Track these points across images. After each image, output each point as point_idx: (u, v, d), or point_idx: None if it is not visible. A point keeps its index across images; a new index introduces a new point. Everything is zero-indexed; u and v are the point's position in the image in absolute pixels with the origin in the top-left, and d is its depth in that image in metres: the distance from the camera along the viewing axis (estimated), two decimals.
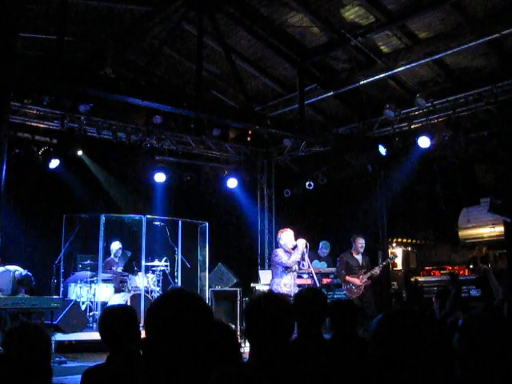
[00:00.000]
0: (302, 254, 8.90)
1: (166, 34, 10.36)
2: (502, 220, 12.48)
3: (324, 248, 12.60)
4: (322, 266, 12.14)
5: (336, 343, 4.41)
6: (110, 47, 10.64)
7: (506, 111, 10.28)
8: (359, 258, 10.89)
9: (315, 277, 9.41)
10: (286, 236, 9.05)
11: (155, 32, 10.75)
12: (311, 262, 12.05)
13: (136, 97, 9.81)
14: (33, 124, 11.12)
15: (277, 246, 9.51)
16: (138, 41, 11.10)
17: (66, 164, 11.68)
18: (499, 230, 12.90)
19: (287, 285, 8.74)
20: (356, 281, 10.64)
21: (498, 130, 10.63)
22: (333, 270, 11.74)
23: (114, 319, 3.70)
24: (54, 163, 11.44)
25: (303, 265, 9.06)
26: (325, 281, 11.58)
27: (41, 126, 11.26)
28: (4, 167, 7.42)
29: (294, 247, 8.94)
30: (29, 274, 10.13)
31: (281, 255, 8.86)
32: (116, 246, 12.56)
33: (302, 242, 8.91)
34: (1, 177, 7.38)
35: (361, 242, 10.92)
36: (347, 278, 10.70)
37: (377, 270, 10.81)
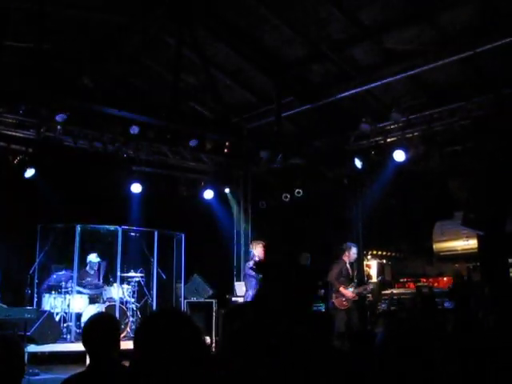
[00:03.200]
0: None
1: (144, 44, 10.38)
2: (475, 233, 12.64)
3: (304, 260, 12.56)
4: None
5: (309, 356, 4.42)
6: (88, 57, 10.63)
7: (479, 126, 10.43)
8: (350, 268, 10.89)
9: None
10: (258, 249, 9.08)
11: (133, 42, 10.75)
12: None
13: (113, 107, 9.81)
14: (8, 132, 11.03)
15: (249, 259, 9.51)
16: (116, 51, 11.08)
17: (41, 173, 11.58)
18: (473, 242, 13.04)
19: None
20: (349, 294, 10.60)
21: (472, 145, 10.78)
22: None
23: (100, 327, 3.73)
24: (30, 172, 11.34)
25: None
26: None
27: (17, 134, 11.17)
28: None
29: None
30: None
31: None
32: (94, 258, 12.44)
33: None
34: None
35: (355, 252, 10.92)
36: (341, 289, 10.61)
37: (370, 286, 10.83)
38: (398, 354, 2.26)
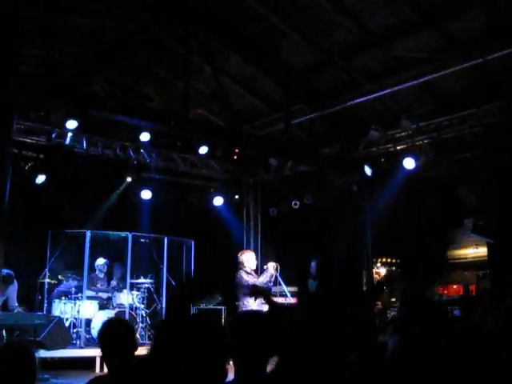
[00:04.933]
0: (275, 277, 8.91)
1: (154, 52, 10.44)
2: (485, 241, 12.60)
3: (315, 267, 12.53)
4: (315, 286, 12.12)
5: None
6: (99, 64, 10.71)
7: (489, 133, 10.42)
8: None
9: (288, 294, 9.51)
10: (247, 257, 9.05)
11: (144, 50, 10.81)
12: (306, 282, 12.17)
13: (123, 114, 9.86)
14: (20, 139, 11.10)
15: (238, 268, 9.43)
16: (127, 58, 11.15)
17: (52, 180, 11.65)
18: (483, 250, 13.01)
19: (255, 304, 8.71)
20: None
21: (482, 152, 10.77)
22: None
23: (118, 331, 3.75)
24: (41, 178, 11.42)
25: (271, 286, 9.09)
26: None
27: (28, 141, 11.24)
28: (8, 185, 7.54)
29: (263, 270, 8.99)
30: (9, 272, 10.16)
31: (245, 278, 8.85)
32: (101, 261, 12.52)
33: (271, 265, 8.91)
34: (4, 193, 7.48)
35: None
36: None
37: None
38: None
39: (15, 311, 10.05)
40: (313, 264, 12.60)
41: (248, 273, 8.93)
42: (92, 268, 12.37)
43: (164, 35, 10.22)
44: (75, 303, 11.58)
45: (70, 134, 11.23)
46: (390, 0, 9.07)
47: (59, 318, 11.06)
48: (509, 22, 8.72)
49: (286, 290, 9.43)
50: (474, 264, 13.51)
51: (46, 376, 9.26)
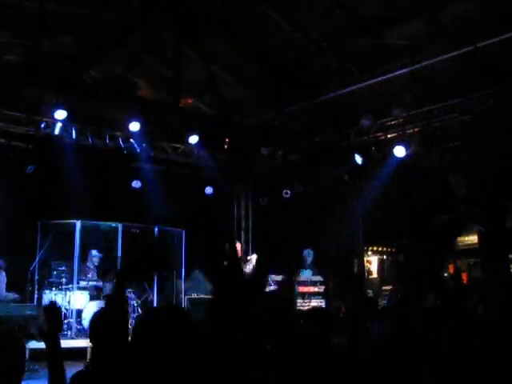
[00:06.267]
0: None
1: (145, 41, 10.37)
2: (476, 228, 12.65)
3: (307, 256, 12.62)
4: (308, 274, 12.20)
5: (309, 352, 4.43)
6: (88, 53, 10.64)
7: (479, 122, 10.43)
8: None
9: None
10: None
11: (134, 39, 10.73)
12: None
13: (114, 104, 9.80)
14: (9, 129, 11.02)
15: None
16: (117, 47, 11.06)
17: (41, 170, 11.57)
18: (473, 238, 13.06)
19: None
20: None
21: (472, 140, 10.78)
22: (320, 278, 11.89)
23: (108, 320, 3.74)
24: (30, 169, 11.33)
25: None
26: (301, 289, 11.61)
27: (17, 131, 11.16)
28: None
29: (247, 260, 9.09)
30: None
31: None
32: (95, 254, 12.46)
33: (255, 257, 9.01)
34: None
35: None
36: None
37: None
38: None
39: (10, 297, 10.01)
40: (305, 252, 12.65)
41: None
42: (84, 258, 12.31)
43: (155, 25, 10.14)
44: (66, 294, 11.54)
45: (59, 124, 11.15)
46: None
47: None
48: (500, 10, 8.71)
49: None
50: (465, 252, 13.58)
51: (36, 367, 9.22)
